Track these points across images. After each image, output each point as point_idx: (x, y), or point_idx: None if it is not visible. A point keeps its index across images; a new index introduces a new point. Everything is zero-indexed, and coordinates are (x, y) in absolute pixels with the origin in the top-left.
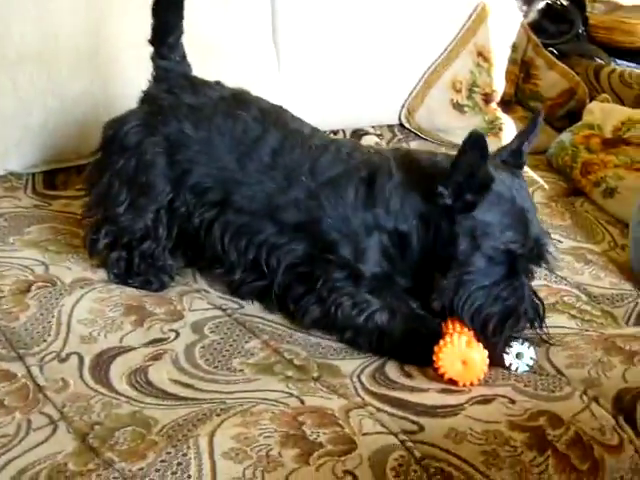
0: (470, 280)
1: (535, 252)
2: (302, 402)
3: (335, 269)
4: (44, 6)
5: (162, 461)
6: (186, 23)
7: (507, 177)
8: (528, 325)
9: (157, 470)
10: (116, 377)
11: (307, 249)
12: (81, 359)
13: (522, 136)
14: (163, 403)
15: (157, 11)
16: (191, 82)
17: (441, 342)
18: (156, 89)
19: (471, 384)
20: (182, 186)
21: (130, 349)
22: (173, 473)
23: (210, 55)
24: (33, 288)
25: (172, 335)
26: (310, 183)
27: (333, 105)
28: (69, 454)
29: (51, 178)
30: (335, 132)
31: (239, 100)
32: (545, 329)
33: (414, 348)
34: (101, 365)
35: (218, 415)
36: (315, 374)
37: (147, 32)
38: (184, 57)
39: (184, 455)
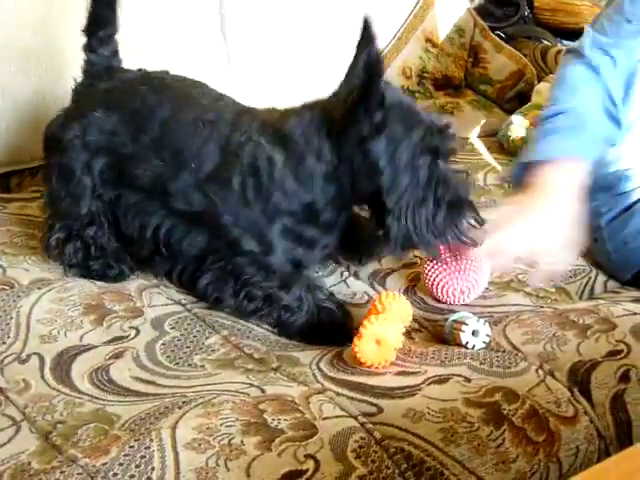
0: (407, 203)
1: (439, 133)
2: (262, 391)
3: (245, 265)
4: None
5: (125, 455)
6: (135, 15)
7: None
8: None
9: (121, 464)
10: (78, 376)
11: (212, 242)
12: (42, 359)
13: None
14: (125, 400)
15: (92, 3)
16: (109, 70)
17: (364, 322)
18: (80, 83)
19: (383, 367)
20: (93, 168)
21: (91, 347)
22: (137, 466)
23: (158, 47)
24: None
25: (132, 332)
26: (198, 174)
27: (283, 95)
28: (32, 453)
29: (5, 181)
30: None
31: (148, 77)
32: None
33: (320, 340)
34: (62, 365)
35: (180, 408)
36: (275, 365)
37: None
38: (115, 53)
39: (147, 448)
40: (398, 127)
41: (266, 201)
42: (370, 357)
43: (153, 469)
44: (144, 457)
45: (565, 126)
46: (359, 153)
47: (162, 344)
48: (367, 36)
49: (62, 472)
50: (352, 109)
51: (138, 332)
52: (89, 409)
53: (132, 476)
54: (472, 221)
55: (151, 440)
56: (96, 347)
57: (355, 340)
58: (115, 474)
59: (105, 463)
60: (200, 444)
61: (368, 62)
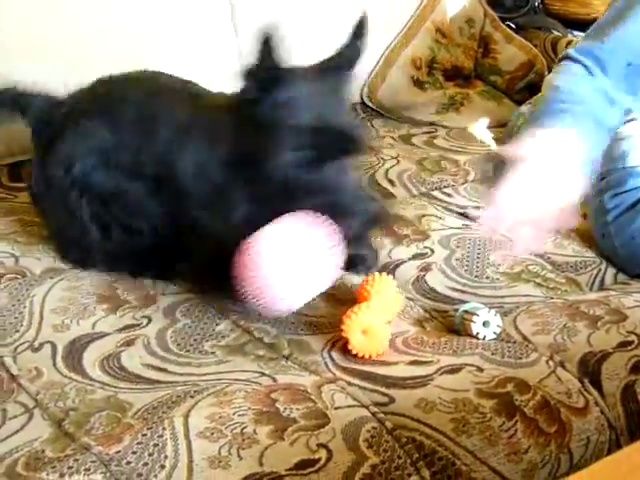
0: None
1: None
2: (274, 380)
3: None
4: None
5: (138, 443)
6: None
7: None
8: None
9: (134, 452)
10: (89, 364)
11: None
12: (54, 347)
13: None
14: (137, 387)
15: None
16: None
17: (347, 313)
18: None
19: (378, 355)
20: None
21: (103, 335)
22: (150, 454)
23: (168, 45)
24: (3, 280)
25: (144, 321)
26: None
27: None
28: (45, 441)
29: (16, 170)
30: None
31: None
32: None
33: None
34: (74, 353)
35: (192, 397)
36: (286, 352)
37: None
38: None
39: (160, 436)
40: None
41: None
42: (360, 348)
43: (166, 457)
44: (157, 445)
45: (567, 109)
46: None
47: (173, 332)
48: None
49: (76, 460)
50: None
51: (150, 320)
52: (101, 396)
53: (145, 464)
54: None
55: (164, 429)
56: (108, 335)
57: (343, 332)
58: (128, 462)
59: (118, 451)
60: (213, 433)
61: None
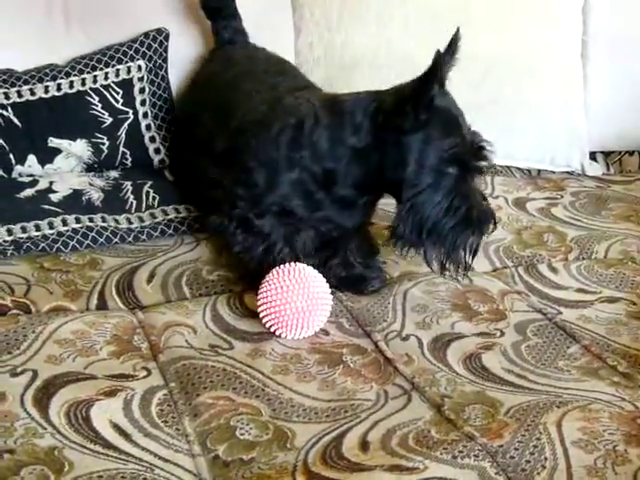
0: (422, 201)
1: (474, 150)
2: (636, 407)
3: (238, 190)
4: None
5: (519, 442)
6: None
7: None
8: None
9: (516, 449)
10: (453, 359)
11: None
12: (419, 340)
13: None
14: (502, 388)
15: None
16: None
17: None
18: None
19: None
20: None
21: (462, 336)
22: (531, 454)
23: None
24: None
25: (497, 333)
26: (242, 119)
27: None
28: (429, 421)
29: None
30: None
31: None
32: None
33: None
34: (438, 347)
35: (558, 407)
36: None
37: None
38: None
39: (538, 439)
40: (436, 130)
41: (294, 151)
42: None
43: (546, 459)
44: (536, 447)
45: None
46: (393, 142)
47: (526, 346)
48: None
49: (465, 446)
50: (401, 101)
51: (503, 334)
52: (470, 389)
53: (528, 461)
54: (469, 246)
55: (540, 432)
56: (466, 337)
57: None
58: (512, 457)
59: (501, 445)
60: (587, 445)
61: (430, 66)
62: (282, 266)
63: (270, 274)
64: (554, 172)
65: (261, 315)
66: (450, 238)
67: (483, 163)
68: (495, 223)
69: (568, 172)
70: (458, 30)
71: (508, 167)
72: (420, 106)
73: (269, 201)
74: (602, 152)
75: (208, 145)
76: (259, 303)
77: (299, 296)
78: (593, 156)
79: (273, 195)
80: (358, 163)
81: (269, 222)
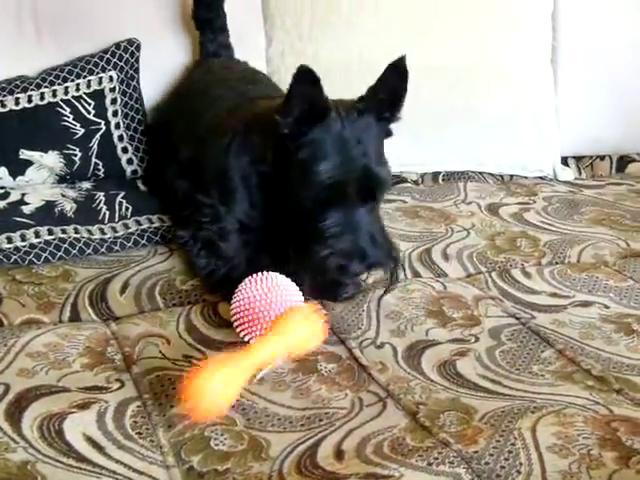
0: (311, 228)
1: (362, 182)
2: (610, 411)
3: (202, 203)
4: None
5: (494, 447)
6: None
7: (347, 113)
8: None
9: (491, 455)
10: (427, 366)
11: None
12: (394, 348)
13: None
14: (476, 394)
15: None
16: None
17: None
18: None
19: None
20: None
21: (436, 343)
22: (506, 459)
23: None
24: None
25: (472, 339)
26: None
27: None
28: (404, 429)
29: None
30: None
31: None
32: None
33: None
34: (413, 355)
35: (532, 412)
36: (616, 387)
37: None
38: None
39: (512, 444)
40: (317, 149)
41: (239, 158)
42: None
43: (521, 464)
44: (511, 452)
45: None
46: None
47: (501, 352)
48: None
49: (439, 453)
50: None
51: (477, 339)
52: (445, 397)
53: (502, 467)
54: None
55: (515, 438)
56: (441, 343)
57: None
58: (487, 463)
59: (476, 451)
60: (561, 449)
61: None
62: (254, 275)
63: (243, 283)
64: (526, 177)
65: (235, 325)
66: (329, 269)
67: (371, 195)
68: (395, 261)
69: (540, 177)
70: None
71: (480, 173)
72: (306, 118)
73: (228, 218)
74: (574, 157)
75: (176, 154)
76: (232, 313)
77: (272, 304)
78: (565, 161)
79: (230, 209)
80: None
81: (232, 245)
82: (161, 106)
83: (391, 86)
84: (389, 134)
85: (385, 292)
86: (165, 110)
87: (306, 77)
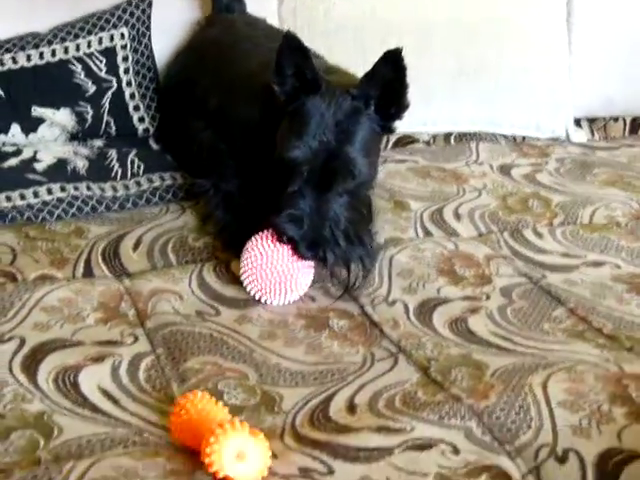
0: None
1: (326, 166)
2: (621, 368)
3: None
4: None
5: (504, 402)
6: None
7: (337, 94)
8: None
9: (502, 409)
10: (439, 323)
11: None
12: (405, 305)
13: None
14: (488, 350)
15: None
16: None
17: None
18: None
19: None
20: None
21: (447, 301)
22: (517, 414)
23: None
24: None
25: (483, 297)
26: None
27: None
28: (415, 383)
29: None
30: None
31: None
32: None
33: None
34: (424, 312)
35: (544, 369)
36: (627, 345)
37: None
38: None
39: (523, 399)
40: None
41: (268, 112)
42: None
43: (531, 419)
44: (522, 407)
45: None
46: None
47: (512, 310)
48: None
49: (451, 407)
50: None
51: (488, 297)
52: (456, 352)
53: (513, 422)
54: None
55: (525, 393)
56: (452, 301)
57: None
58: (498, 417)
59: (487, 406)
60: (572, 405)
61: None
62: (261, 233)
63: (250, 242)
64: (539, 139)
65: (245, 283)
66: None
67: (334, 178)
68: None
69: (553, 138)
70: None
71: (493, 134)
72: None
73: (250, 171)
74: (587, 118)
75: (203, 105)
76: (242, 271)
77: (279, 260)
78: (578, 122)
79: (253, 161)
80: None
81: (250, 201)
82: (180, 63)
83: (387, 80)
84: (390, 130)
85: (342, 294)
86: (186, 66)
87: (290, 44)
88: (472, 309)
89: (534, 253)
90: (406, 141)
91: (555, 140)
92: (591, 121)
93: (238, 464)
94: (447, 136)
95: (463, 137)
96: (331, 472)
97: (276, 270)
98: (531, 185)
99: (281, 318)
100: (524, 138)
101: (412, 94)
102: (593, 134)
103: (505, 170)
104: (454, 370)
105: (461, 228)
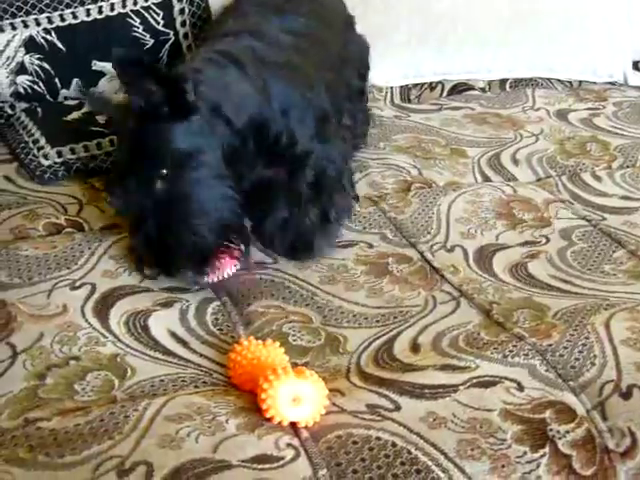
0: None
1: None
2: None
3: None
4: None
5: (567, 341)
6: None
7: None
8: None
9: (565, 347)
10: (499, 268)
11: None
12: (465, 251)
13: None
14: (549, 293)
15: None
16: None
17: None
18: None
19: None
20: None
21: (507, 247)
22: (580, 352)
23: None
24: (412, 188)
25: (543, 240)
26: None
27: None
28: (478, 325)
29: (406, 92)
30: None
31: None
32: None
33: None
34: (484, 258)
35: (605, 309)
36: None
37: None
38: None
39: (586, 338)
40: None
41: None
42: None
43: (595, 357)
44: (585, 345)
45: None
46: None
47: (572, 252)
48: None
49: (514, 346)
50: None
51: (548, 240)
52: (519, 296)
53: (577, 359)
54: None
55: (588, 332)
56: (511, 247)
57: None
58: (561, 355)
59: (550, 344)
60: (635, 343)
61: None
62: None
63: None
64: (596, 83)
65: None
66: None
67: None
68: None
69: (610, 82)
70: None
71: (549, 79)
72: None
73: None
74: None
75: None
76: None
77: None
78: (636, 66)
79: None
80: None
81: None
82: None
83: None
84: None
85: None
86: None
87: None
88: (532, 254)
89: (593, 196)
90: (461, 88)
91: (612, 84)
92: None
93: (294, 408)
94: (502, 82)
95: (519, 83)
96: (398, 408)
97: None
98: (589, 129)
99: (340, 263)
100: (580, 83)
101: (467, 42)
102: None
103: (562, 115)
104: (516, 312)
105: (519, 173)
